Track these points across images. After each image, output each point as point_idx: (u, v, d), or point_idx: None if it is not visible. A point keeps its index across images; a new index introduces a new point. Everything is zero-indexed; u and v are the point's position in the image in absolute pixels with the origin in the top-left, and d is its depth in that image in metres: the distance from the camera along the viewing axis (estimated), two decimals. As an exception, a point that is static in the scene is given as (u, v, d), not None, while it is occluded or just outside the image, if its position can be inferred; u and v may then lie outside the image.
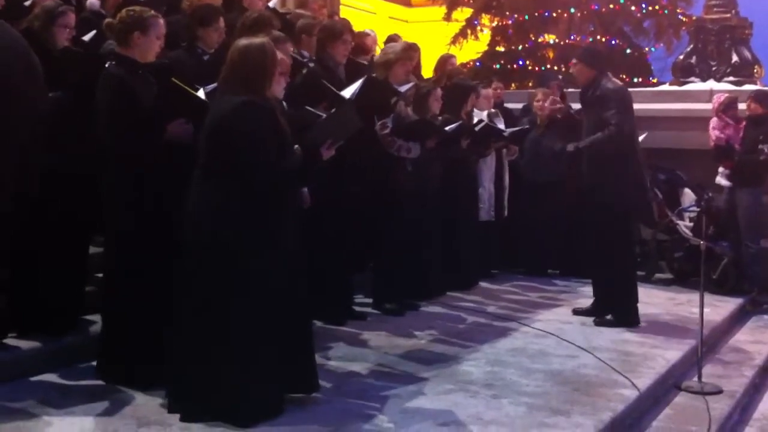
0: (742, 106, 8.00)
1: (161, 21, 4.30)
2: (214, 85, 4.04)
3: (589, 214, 6.04)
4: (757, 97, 7.88)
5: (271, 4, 7.23)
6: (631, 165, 5.96)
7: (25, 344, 4.30)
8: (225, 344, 3.63)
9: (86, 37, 4.96)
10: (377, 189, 5.84)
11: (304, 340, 3.94)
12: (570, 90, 8.78)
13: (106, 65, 4.21)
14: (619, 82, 6.42)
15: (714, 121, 7.92)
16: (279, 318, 3.72)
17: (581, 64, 6.12)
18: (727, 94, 8.17)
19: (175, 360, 3.73)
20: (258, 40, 3.86)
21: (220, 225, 3.62)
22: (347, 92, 4.78)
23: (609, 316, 5.96)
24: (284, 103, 4.32)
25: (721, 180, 7.82)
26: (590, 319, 6.01)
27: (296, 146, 3.86)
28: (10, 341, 4.28)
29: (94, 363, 4.26)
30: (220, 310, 3.64)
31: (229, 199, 3.62)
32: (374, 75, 5.72)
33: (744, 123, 7.89)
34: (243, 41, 3.84)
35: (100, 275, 4.57)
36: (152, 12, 4.32)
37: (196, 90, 4.13)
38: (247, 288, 3.63)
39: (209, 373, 3.64)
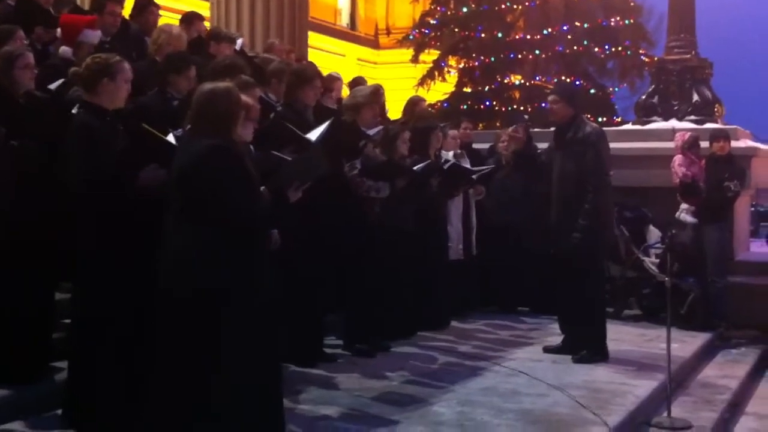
0: (701, 144, 8.18)
1: (127, 65, 4.33)
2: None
3: (558, 251, 6.06)
4: (725, 135, 8.09)
5: (237, 46, 7.31)
6: (604, 207, 6.01)
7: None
8: (205, 400, 3.55)
9: (52, 86, 4.96)
10: (347, 230, 5.86)
11: (276, 387, 3.87)
12: (536, 130, 8.91)
13: (74, 112, 4.22)
14: (594, 123, 6.49)
15: (679, 159, 8.03)
16: (260, 369, 3.65)
17: (562, 102, 6.09)
18: (690, 132, 8.34)
19: (149, 412, 3.66)
20: (223, 84, 3.88)
21: (197, 272, 3.56)
22: (313, 134, 4.83)
23: (584, 352, 5.98)
24: (251, 147, 4.34)
25: (686, 217, 7.94)
26: (561, 357, 6.04)
27: (263, 188, 3.88)
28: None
29: (60, 411, 4.18)
30: (200, 363, 3.55)
31: (203, 245, 3.58)
32: (343, 118, 5.79)
33: (704, 161, 8.05)
34: (208, 85, 3.85)
35: (68, 321, 4.52)
36: (117, 57, 4.35)
37: (167, 134, 4.14)
38: (229, 337, 3.57)
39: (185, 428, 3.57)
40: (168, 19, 7.51)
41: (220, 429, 3.55)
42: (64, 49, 6.08)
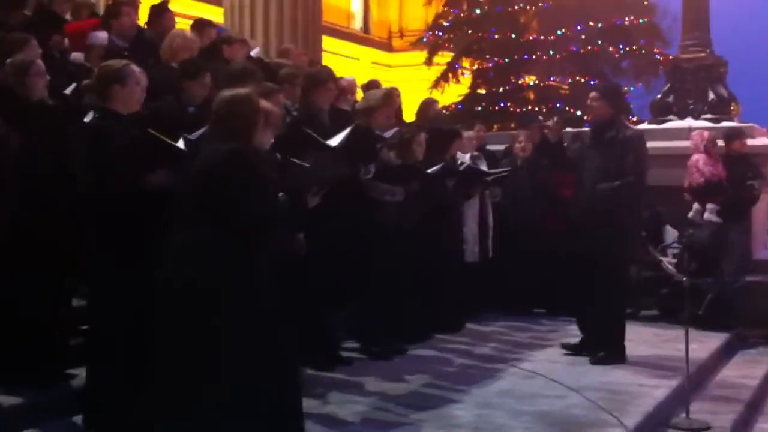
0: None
1: (136, 68, 4.35)
2: (200, 131, 4.09)
3: (586, 254, 5.98)
4: (744, 133, 8.04)
5: (254, 54, 7.35)
6: (637, 211, 6.03)
7: (6, 399, 4.23)
8: (203, 402, 3.53)
9: (67, 90, 5.02)
10: (360, 233, 5.86)
11: (280, 390, 3.79)
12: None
13: (88, 117, 4.26)
14: (634, 126, 6.45)
15: (703, 158, 7.94)
16: (262, 372, 3.62)
17: (603, 100, 6.01)
18: (708, 131, 8.28)
19: (149, 412, 3.66)
20: (243, 91, 3.87)
21: (204, 274, 3.55)
22: (334, 140, 4.83)
23: (602, 353, 5.96)
24: (277, 155, 4.35)
25: (711, 216, 7.86)
26: (578, 358, 6.02)
27: (281, 194, 3.89)
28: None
29: (76, 418, 4.20)
30: (202, 363, 3.54)
31: (204, 246, 3.57)
32: (358, 122, 5.80)
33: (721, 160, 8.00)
34: (228, 92, 3.84)
35: (86, 327, 4.54)
36: (125, 61, 4.39)
37: (177, 139, 4.16)
38: (228, 339, 3.56)
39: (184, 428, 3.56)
40: (183, 25, 7.55)
41: (219, 429, 3.55)
42: (76, 55, 6.16)
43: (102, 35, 6.17)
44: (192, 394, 3.55)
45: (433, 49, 17.59)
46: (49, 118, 4.56)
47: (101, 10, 8.03)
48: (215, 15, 12.21)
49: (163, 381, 3.63)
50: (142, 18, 7.35)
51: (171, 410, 3.59)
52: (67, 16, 7.03)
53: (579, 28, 15.77)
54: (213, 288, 3.55)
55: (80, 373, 4.42)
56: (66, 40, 6.41)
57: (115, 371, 4.06)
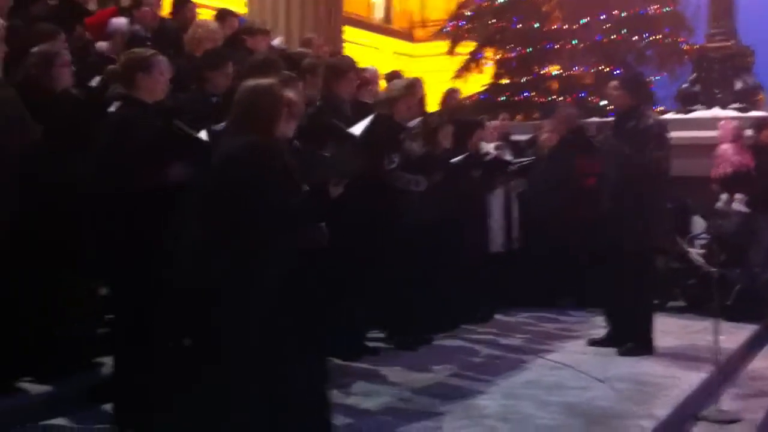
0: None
1: (162, 58, 4.33)
2: (223, 124, 4.06)
3: (611, 245, 5.94)
4: None
5: (276, 43, 7.33)
6: (660, 201, 5.98)
7: (36, 388, 4.26)
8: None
9: (93, 82, 5.02)
10: (386, 223, 5.83)
11: (297, 391, 3.71)
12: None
13: (113, 107, 4.25)
14: (656, 116, 6.39)
15: (732, 147, 7.87)
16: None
17: (623, 90, 5.97)
18: (736, 121, 8.19)
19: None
20: (266, 81, 3.81)
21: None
22: (356, 129, 4.81)
23: (630, 344, 5.90)
24: (296, 142, 4.32)
25: (740, 206, 7.78)
26: (606, 350, 5.96)
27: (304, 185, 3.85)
28: (22, 384, 4.25)
29: (106, 406, 4.21)
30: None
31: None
32: (380, 112, 5.76)
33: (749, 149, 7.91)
34: (251, 82, 3.79)
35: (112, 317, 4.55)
36: (152, 51, 4.37)
37: (199, 131, 4.13)
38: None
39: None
40: (205, 16, 7.56)
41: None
42: (101, 44, 6.16)
43: (122, 21, 6.18)
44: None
45: (455, 39, 17.47)
46: (73, 109, 4.55)
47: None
48: (237, 5, 12.20)
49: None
50: (165, 9, 7.37)
51: (174, 409, 3.57)
52: (91, 7, 7.05)
53: (603, 17, 15.59)
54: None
55: (109, 362, 4.41)
56: (87, 34, 6.42)
57: (140, 361, 4.05)
